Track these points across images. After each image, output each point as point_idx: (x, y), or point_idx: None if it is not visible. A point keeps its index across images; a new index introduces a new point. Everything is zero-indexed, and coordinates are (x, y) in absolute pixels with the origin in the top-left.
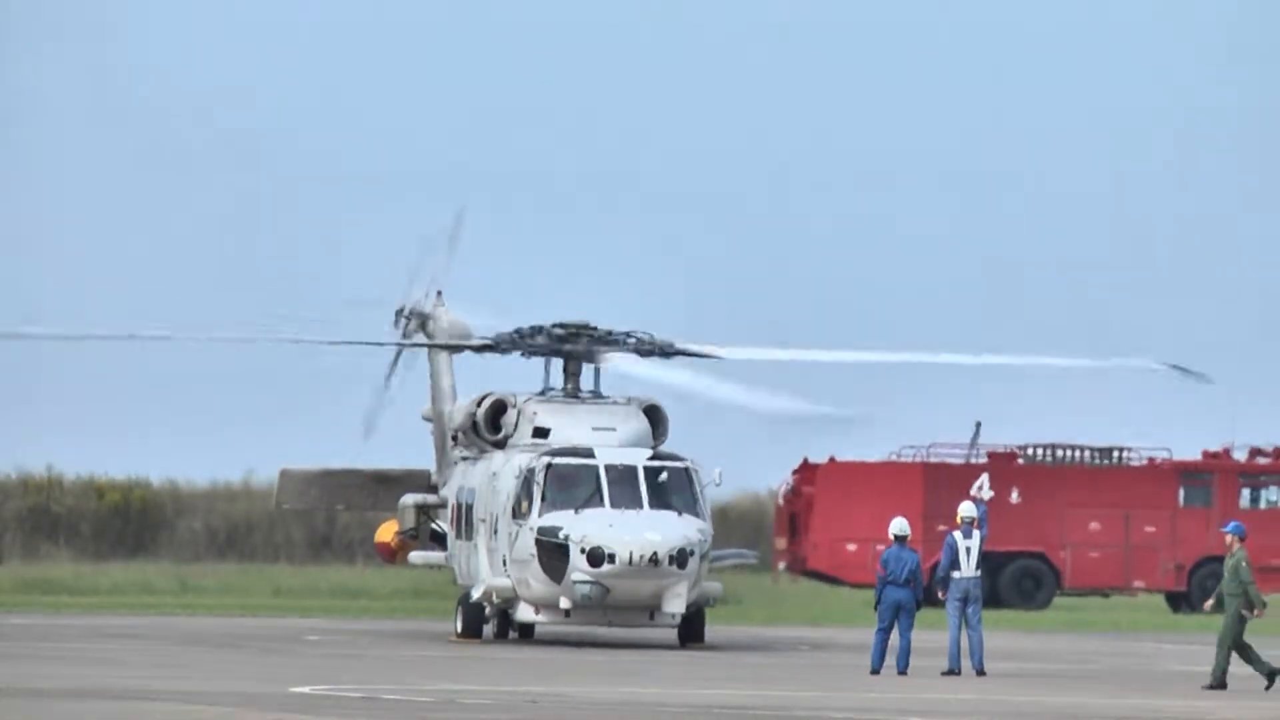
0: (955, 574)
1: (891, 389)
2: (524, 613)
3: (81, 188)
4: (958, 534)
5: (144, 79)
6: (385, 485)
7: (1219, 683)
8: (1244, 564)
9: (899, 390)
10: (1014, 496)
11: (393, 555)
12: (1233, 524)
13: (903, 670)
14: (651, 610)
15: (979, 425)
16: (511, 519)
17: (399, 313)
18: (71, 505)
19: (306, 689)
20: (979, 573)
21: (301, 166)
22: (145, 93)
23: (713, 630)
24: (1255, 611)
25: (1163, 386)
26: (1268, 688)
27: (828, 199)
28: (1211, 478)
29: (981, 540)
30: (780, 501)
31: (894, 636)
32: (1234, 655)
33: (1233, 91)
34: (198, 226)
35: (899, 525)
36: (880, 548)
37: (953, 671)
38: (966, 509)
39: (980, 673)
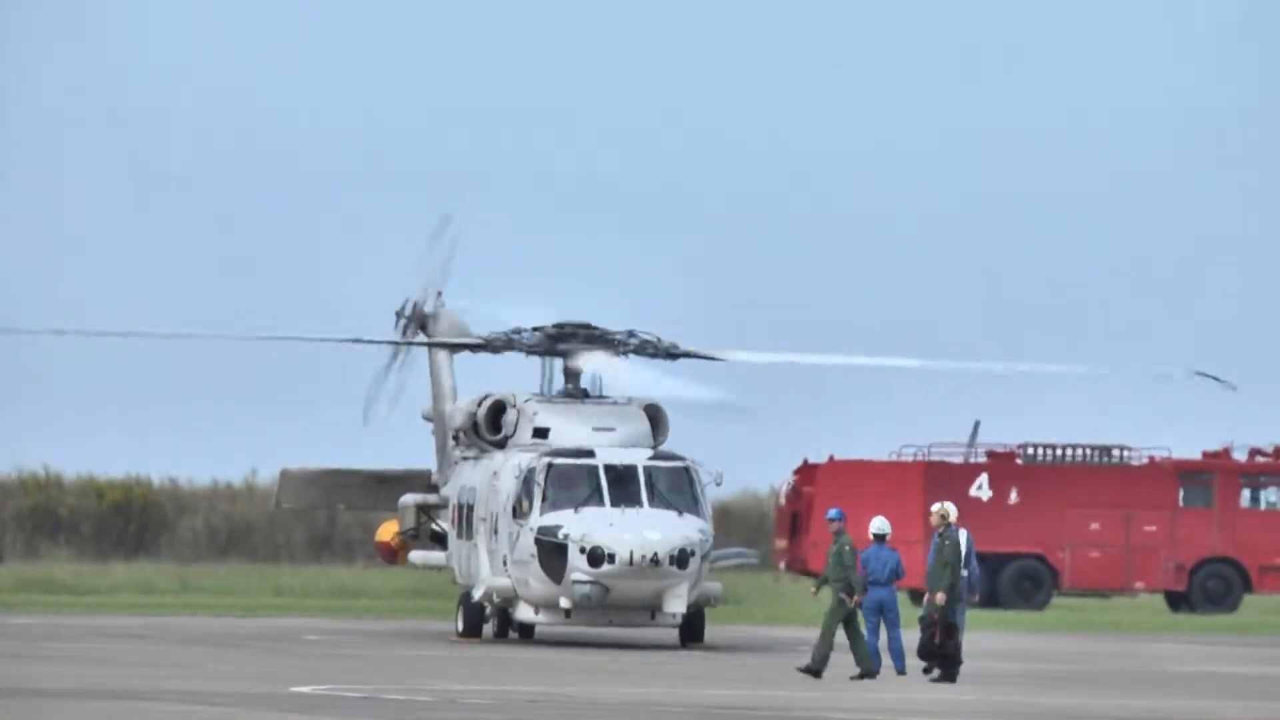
0: None
1: (891, 388)
2: (524, 613)
3: (80, 187)
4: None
5: (144, 79)
6: (386, 485)
7: (816, 669)
8: (846, 549)
9: (898, 389)
10: (1013, 496)
11: (393, 555)
12: (833, 510)
13: (901, 670)
14: (652, 610)
15: (978, 424)
16: (512, 519)
17: (399, 313)
18: (72, 505)
19: (306, 689)
20: (964, 573)
21: (301, 166)
22: (144, 93)
23: (713, 630)
24: (855, 598)
25: (1161, 386)
26: (856, 678)
27: (829, 199)
28: (1211, 478)
29: (968, 540)
30: (781, 501)
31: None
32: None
33: (1232, 91)
34: (197, 225)
35: (878, 524)
36: None
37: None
38: (947, 510)
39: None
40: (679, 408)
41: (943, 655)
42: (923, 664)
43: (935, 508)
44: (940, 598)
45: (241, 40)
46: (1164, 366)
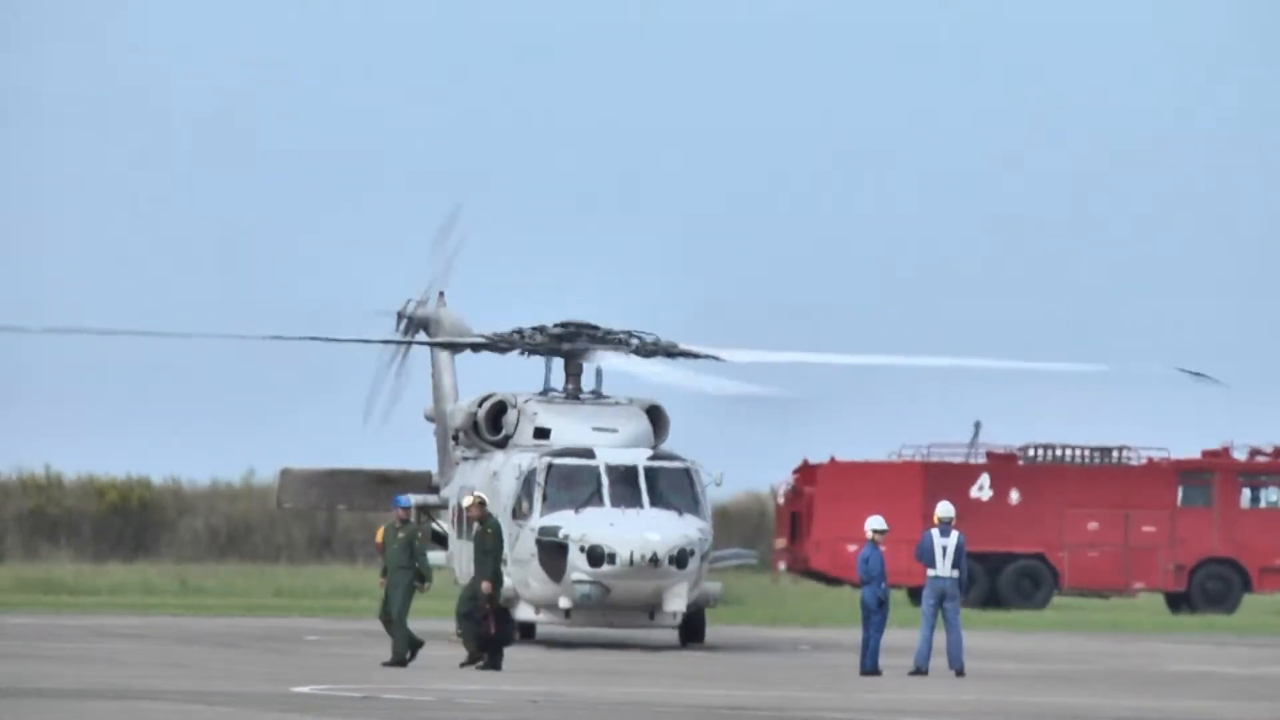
0: (931, 572)
1: (891, 388)
2: (524, 612)
3: (80, 185)
4: (935, 532)
5: (145, 79)
6: (386, 485)
7: (399, 660)
8: (418, 538)
9: (899, 389)
10: (1013, 497)
11: None
12: (402, 498)
13: (874, 668)
14: (652, 610)
15: (979, 425)
16: (512, 519)
17: (400, 313)
18: (71, 505)
19: (306, 689)
20: (955, 572)
21: (302, 166)
22: (145, 93)
23: (713, 630)
24: (424, 586)
25: (1161, 385)
26: (387, 664)
27: (828, 199)
28: (1211, 477)
29: (960, 541)
30: (781, 501)
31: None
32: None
33: (1233, 91)
34: (198, 225)
35: (874, 523)
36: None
37: (920, 671)
38: (944, 509)
39: (959, 673)
40: (717, 400)
41: (498, 643)
42: (470, 657)
43: (474, 494)
44: (486, 586)
45: (244, 38)
46: (1147, 363)
